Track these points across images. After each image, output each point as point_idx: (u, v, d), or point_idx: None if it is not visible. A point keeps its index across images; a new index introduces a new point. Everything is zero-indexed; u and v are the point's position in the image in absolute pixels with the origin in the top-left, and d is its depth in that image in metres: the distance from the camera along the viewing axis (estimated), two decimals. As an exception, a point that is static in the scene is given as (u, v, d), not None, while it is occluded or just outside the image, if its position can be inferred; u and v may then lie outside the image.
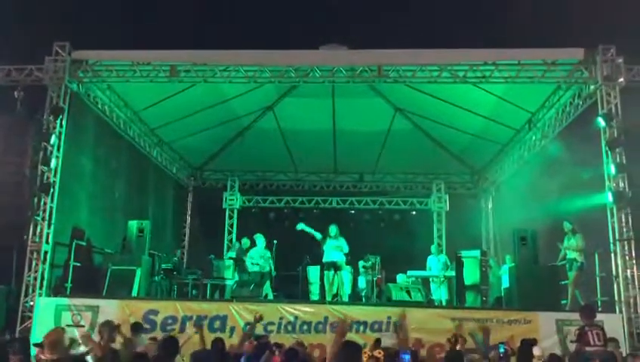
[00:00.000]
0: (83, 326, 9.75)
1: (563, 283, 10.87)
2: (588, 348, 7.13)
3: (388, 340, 9.17)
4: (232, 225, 17.67)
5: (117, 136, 13.37)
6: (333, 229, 11.72)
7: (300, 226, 11.95)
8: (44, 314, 10.03)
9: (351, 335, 9.49)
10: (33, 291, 10.32)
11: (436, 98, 13.17)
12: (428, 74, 11.15)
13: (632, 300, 9.63)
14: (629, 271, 9.74)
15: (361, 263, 13.13)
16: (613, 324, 9.01)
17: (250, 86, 12.48)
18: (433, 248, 14.21)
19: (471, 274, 12.62)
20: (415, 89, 12.72)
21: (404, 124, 15.34)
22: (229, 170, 18.08)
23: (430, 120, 14.85)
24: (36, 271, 10.40)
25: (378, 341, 8.72)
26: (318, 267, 13.30)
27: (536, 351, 7.10)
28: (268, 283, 12.44)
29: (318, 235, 11.72)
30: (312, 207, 17.95)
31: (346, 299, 11.67)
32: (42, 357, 5.42)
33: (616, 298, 9.78)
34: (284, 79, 11.66)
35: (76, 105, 11.47)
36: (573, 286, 10.50)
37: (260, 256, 12.55)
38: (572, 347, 7.58)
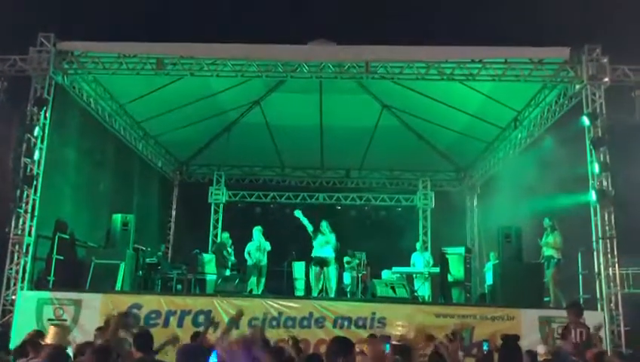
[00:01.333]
0: (65, 320, 9.66)
1: (546, 280, 10.97)
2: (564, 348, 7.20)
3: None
4: (217, 220, 17.59)
5: (102, 128, 13.24)
6: (324, 225, 11.72)
7: (298, 213, 11.90)
8: (26, 307, 9.92)
9: (335, 331, 9.56)
10: (15, 284, 10.20)
11: (423, 95, 13.20)
12: (415, 71, 11.17)
13: (613, 298, 9.75)
14: (610, 269, 9.85)
15: (345, 259, 13.15)
16: (595, 322, 9.07)
17: (237, 80, 12.41)
18: (418, 245, 14.25)
19: (455, 271, 12.70)
20: (402, 86, 12.73)
21: (391, 121, 15.37)
22: (215, 164, 17.98)
23: (417, 117, 14.90)
24: (18, 264, 10.27)
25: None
26: (304, 263, 13.31)
27: (540, 349, 7.12)
28: (263, 278, 12.40)
29: (310, 227, 11.69)
30: (298, 202, 17.89)
31: (332, 294, 11.69)
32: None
33: (598, 295, 9.89)
34: (272, 74, 11.63)
35: (61, 97, 11.33)
36: (553, 284, 10.60)
37: (256, 249, 12.50)
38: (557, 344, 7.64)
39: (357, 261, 12.98)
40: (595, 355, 5.38)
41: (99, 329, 6.81)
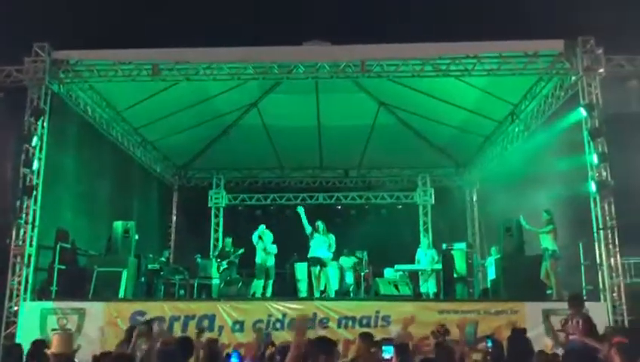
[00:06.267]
0: (69, 329, 9.65)
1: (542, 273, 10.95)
2: (572, 337, 7.21)
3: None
4: (218, 224, 17.60)
5: (100, 136, 13.24)
6: (320, 225, 11.72)
7: (300, 210, 11.89)
8: (29, 318, 9.92)
9: (340, 331, 9.57)
10: (17, 295, 10.18)
11: (419, 92, 13.22)
12: (411, 68, 11.17)
13: (616, 288, 9.76)
14: (612, 259, 9.86)
15: (342, 260, 13.16)
16: (598, 312, 9.11)
17: (233, 83, 12.41)
18: (424, 242, 14.15)
19: (458, 267, 12.72)
20: (398, 83, 12.75)
21: (389, 119, 15.38)
22: (214, 168, 17.99)
23: (414, 114, 14.90)
24: (20, 276, 10.26)
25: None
26: (306, 264, 13.30)
27: (547, 341, 7.09)
28: (271, 281, 12.38)
29: (308, 228, 11.69)
30: (298, 203, 17.84)
31: (332, 294, 11.69)
32: None
33: (600, 286, 9.91)
34: (268, 75, 11.63)
35: (58, 106, 11.33)
36: (553, 275, 10.59)
37: (262, 250, 12.45)
38: (561, 336, 7.63)
39: (354, 260, 12.99)
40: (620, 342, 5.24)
41: (119, 343, 6.62)
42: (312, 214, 12.20)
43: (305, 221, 11.69)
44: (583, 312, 7.47)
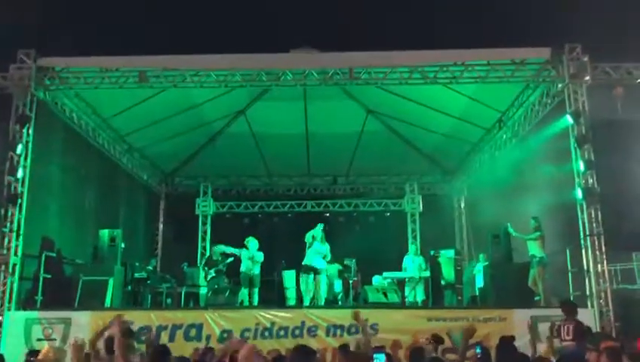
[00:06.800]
0: (54, 339, 9.52)
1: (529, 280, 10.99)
2: (563, 343, 7.23)
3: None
4: (205, 232, 17.49)
5: (86, 143, 13.13)
6: (319, 233, 11.76)
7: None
8: (14, 328, 9.76)
9: (329, 340, 9.51)
10: (1, 305, 10.02)
11: (407, 99, 13.26)
12: (399, 75, 11.20)
13: (603, 294, 9.80)
14: (599, 265, 9.91)
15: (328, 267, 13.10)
16: (586, 318, 9.10)
17: (220, 90, 12.37)
18: (412, 248, 14.12)
19: (446, 274, 12.72)
20: (386, 91, 12.79)
21: (377, 126, 15.41)
22: (202, 175, 17.91)
23: (402, 121, 14.95)
24: (4, 285, 10.10)
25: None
26: (294, 271, 13.24)
27: (540, 347, 7.04)
28: (256, 289, 12.29)
29: (309, 236, 11.83)
30: (286, 211, 17.89)
31: (322, 303, 11.64)
32: None
33: (587, 292, 9.95)
34: (256, 83, 11.59)
35: (43, 113, 11.21)
36: (541, 282, 10.62)
37: (248, 258, 12.34)
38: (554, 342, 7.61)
39: (339, 267, 12.93)
40: (610, 347, 5.26)
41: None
42: (300, 222, 12.19)
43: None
44: (576, 318, 7.51)
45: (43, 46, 11.07)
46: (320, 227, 12.13)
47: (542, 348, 7.18)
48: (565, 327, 7.50)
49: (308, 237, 12.03)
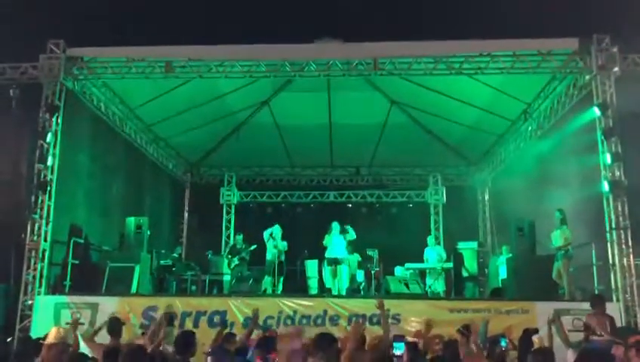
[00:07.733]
0: (83, 323, 9.72)
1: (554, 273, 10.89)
2: (595, 338, 7.15)
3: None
4: (229, 221, 17.68)
5: (113, 133, 13.35)
6: (336, 226, 11.93)
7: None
8: (44, 312, 10.03)
9: (349, 328, 9.57)
10: (32, 290, 10.31)
11: (432, 90, 13.19)
12: (423, 66, 11.13)
13: (629, 288, 9.68)
14: (625, 259, 9.78)
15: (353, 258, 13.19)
16: (611, 312, 9.04)
17: (245, 81, 12.45)
18: (430, 240, 14.19)
19: (468, 266, 12.69)
20: (411, 81, 12.73)
21: (400, 117, 15.35)
22: (226, 165, 18.09)
23: (426, 112, 14.87)
24: (35, 270, 10.38)
25: None
26: (317, 261, 13.34)
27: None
28: (282, 277, 12.46)
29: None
30: (309, 201, 17.98)
31: (343, 292, 11.73)
32: None
33: (613, 286, 9.84)
34: (280, 73, 11.63)
35: (72, 103, 11.42)
36: (565, 275, 10.52)
37: (273, 246, 12.53)
38: (579, 336, 7.55)
39: (358, 258, 13.03)
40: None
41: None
42: (323, 212, 12.29)
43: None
44: (606, 313, 7.43)
45: (72, 36, 11.26)
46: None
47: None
48: (599, 322, 7.37)
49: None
